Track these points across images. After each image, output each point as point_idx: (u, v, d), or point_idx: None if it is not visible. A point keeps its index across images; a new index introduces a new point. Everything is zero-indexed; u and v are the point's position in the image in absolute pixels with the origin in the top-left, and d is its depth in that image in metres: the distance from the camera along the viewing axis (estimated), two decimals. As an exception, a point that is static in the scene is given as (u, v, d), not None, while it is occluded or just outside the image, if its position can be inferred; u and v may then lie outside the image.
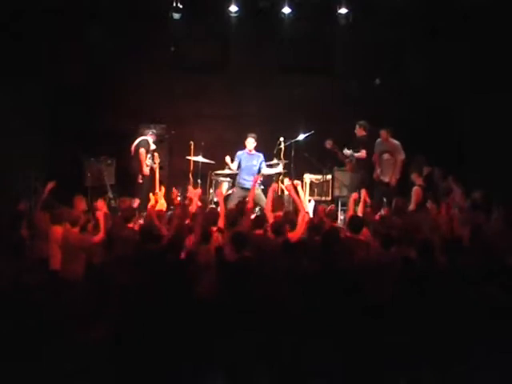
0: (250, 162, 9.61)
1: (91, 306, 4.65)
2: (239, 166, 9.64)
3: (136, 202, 7.88)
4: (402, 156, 9.70)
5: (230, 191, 9.99)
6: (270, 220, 6.61)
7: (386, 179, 9.72)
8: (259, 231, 6.39)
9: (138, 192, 9.59)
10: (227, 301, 4.86)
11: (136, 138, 9.99)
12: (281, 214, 7.27)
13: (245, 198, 8.71)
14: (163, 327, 4.57)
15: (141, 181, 9.74)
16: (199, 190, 8.06)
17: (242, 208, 7.11)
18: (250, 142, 9.59)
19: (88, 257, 5.90)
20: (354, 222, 6.30)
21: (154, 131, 10.05)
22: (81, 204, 7.17)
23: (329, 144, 9.90)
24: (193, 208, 7.17)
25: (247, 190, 8.93)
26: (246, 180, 9.40)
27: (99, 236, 6.10)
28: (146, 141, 9.88)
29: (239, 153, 9.66)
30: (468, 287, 4.87)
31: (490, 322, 4.55)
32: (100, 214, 6.36)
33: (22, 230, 6.39)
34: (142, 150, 9.72)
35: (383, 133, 9.72)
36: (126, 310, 4.71)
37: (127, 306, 4.73)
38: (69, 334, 4.45)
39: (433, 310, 4.75)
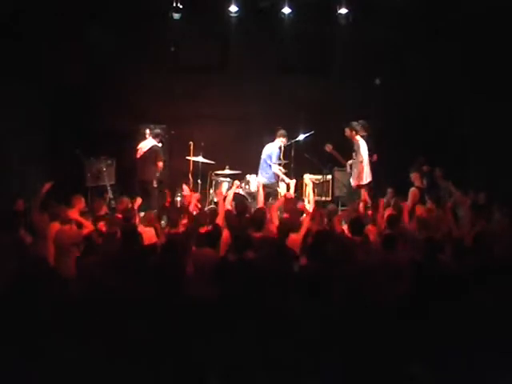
0: None
1: (86, 305, 4.65)
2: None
3: (137, 203, 7.87)
4: (360, 157, 9.54)
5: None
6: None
7: (352, 182, 9.70)
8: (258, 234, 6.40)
9: (152, 195, 9.49)
10: (226, 302, 4.86)
11: (139, 139, 9.87)
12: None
13: None
14: (159, 327, 4.57)
15: (155, 185, 9.68)
16: (197, 195, 8.16)
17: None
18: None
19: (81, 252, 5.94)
20: (355, 224, 6.29)
21: (159, 131, 9.97)
22: (79, 204, 7.19)
23: (328, 148, 9.95)
24: (192, 209, 7.21)
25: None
26: None
27: (86, 230, 6.16)
28: (159, 147, 9.76)
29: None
30: (469, 287, 4.87)
31: (489, 322, 4.55)
32: (74, 213, 6.45)
33: (22, 229, 6.41)
34: (161, 164, 9.67)
35: (346, 130, 9.68)
36: (121, 310, 4.71)
37: (122, 307, 4.74)
38: (67, 333, 4.46)
39: (433, 310, 4.75)
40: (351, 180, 9.75)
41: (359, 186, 9.56)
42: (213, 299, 5.02)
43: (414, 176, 9.23)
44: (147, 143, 9.74)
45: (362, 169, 9.55)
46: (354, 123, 9.69)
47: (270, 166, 9.86)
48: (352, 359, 4.54)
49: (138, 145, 9.85)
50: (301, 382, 4.52)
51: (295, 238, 6.29)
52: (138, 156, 9.71)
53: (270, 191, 9.74)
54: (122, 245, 5.73)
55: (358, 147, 9.60)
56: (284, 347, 4.55)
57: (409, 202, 8.73)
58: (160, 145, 9.84)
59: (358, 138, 9.64)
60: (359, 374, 4.49)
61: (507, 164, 9.31)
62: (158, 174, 9.75)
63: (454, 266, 5.20)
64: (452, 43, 10.19)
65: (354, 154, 9.71)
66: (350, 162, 10.02)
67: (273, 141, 10.01)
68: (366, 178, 9.62)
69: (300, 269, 5.47)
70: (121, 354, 4.44)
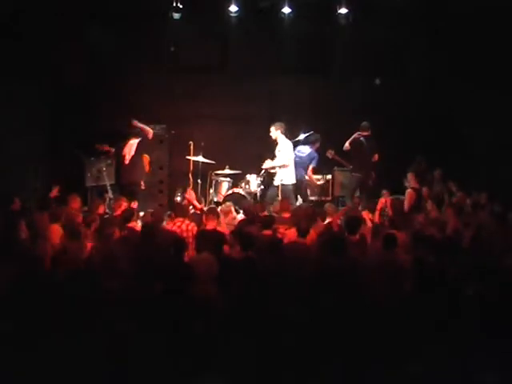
0: None
1: (86, 305, 4.65)
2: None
3: (135, 204, 7.92)
4: (282, 156, 9.53)
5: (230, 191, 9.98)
6: None
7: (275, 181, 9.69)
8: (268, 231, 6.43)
9: (139, 197, 9.45)
10: (229, 300, 4.87)
11: (125, 141, 9.60)
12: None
13: None
14: (163, 327, 4.58)
15: (143, 187, 9.67)
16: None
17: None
18: None
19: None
20: (351, 223, 6.29)
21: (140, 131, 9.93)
22: (75, 203, 7.21)
23: (330, 154, 9.96)
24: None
25: None
26: None
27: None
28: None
29: None
30: (466, 287, 4.87)
31: (488, 322, 4.55)
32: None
33: (22, 229, 6.41)
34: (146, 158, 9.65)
35: (271, 130, 9.64)
36: (126, 309, 4.72)
37: (127, 306, 4.74)
38: (67, 334, 4.46)
39: (432, 310, 4.75)
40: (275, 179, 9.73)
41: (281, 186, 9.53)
42: (216, 299, 5.02)
43: (410, 176, 9.16)
44: (131, 145, 9.58)
45: (285, 168, 9.55)
46: (278, 123, 9.64)
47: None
48: (352, 359, 4.54)
49: (122, 151, 9.55)
50: (300, 382, 4.52)
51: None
52: (127, 162, 9.45)
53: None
54: (141, 243, 5.79)
55: (281, 147, 9.59)
56: (284, 347, 4.55)
57: (406, 204, 8.74)
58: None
59: (282, 137, 9.62)
60: (359, 375, 4.49)
61: (507, 164, 9.30)
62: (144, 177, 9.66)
63: (452, 266, 5.20)
64: (452, 43, 10.19)
65: (277, 154, 9.69)
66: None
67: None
68: (286, 178, 9.57)
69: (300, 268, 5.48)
70: (121, 354, 4.44)
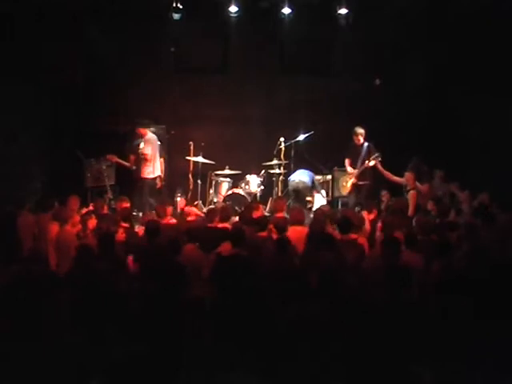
0: None
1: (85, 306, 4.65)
2: None
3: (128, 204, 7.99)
4: (146, 151, 9.59)
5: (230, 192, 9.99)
6: None
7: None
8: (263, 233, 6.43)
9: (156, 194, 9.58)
10: (220, 299, 4.86)
11: (134, 140, 9.74)
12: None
13: None
14: (160, 326, 4.57)
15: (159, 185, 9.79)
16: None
17: None
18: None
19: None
20: (344, 223, 6.30)
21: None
22: (75, 203, 7.23)
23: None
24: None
25: None
26: None
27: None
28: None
29: None
30: (463, 288, 4.87)
31: (487, 323, 4.54)
32: None
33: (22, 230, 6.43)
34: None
35: (138, 129, 9.71)
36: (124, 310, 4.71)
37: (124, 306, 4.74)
38: (67, 334, 4.46)
39: (430, 311, 4.75)
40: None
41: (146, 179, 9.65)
42: (211, 299, 5.01)
43: (409, 176, 9.08)
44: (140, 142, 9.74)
45: (145, 163, 9.61)
46: (145, 120, 9.76)
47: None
48: (350, 359, 4.53)
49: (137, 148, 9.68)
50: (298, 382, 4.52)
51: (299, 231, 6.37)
52: (148, 159, 9.63)
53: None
54: (147, 241, 5.81)
55: (147, 141, 9.66)
56: (282, 349, 4.54)
57: (411, 207, 8.69)
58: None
59: (148, 132, 9.74)
60: (359, 375, 4.48)
61: (507, 164, 9.30)
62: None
63: (446, 267, 5.21)
64: (452, 44, 10.19)
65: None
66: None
67: None
68: (150, 172, 9.69)
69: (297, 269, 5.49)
70: (121, 354, 4.44)
